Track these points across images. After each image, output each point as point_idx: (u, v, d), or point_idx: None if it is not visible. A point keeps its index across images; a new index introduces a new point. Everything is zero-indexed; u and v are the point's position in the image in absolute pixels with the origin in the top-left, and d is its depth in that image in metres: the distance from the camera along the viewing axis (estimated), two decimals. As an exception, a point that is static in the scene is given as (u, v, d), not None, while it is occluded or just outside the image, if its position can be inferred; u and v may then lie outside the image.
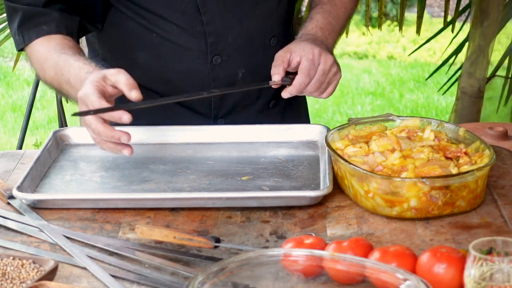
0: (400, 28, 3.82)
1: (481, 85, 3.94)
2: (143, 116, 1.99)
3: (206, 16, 2.04)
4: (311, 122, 2.36)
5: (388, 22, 7.51)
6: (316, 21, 2.08)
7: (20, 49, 2.05)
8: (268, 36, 2.13)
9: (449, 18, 3.99)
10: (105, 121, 1.76)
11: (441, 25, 4.03)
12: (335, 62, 1.96)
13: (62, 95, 2.04)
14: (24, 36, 2.01)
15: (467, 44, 3.97)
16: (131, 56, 2.10)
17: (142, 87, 1.85)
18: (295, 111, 2.27)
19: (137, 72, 1.86)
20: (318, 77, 1.93)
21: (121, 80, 1.76)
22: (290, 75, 1.96)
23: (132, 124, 1.76)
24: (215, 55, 2.06)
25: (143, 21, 2.05)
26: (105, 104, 1.74)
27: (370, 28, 4.03)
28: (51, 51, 1.96)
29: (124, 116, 1.73)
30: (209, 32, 2.05)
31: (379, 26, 3.79)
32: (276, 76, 1.94)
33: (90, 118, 1.76)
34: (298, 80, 1.92)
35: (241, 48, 2.09)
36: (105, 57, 2.16)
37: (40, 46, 1.99)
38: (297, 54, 1.94)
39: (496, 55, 4.13)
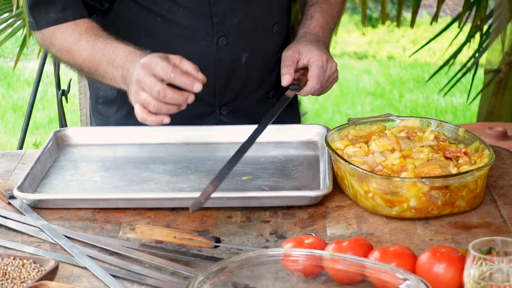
0: (398, 25, 3.84)
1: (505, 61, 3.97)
2: None
3: None
4: (311, 122, 2.37)
5: (388, 22, 7.51)
6: (317, 20, 2.17)
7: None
8: (271, 23, 2.17)
9: (449, 18, 4.01)
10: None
11: (441, 26, 4.04)
12: (337, 68, 2.07)
13: (91, 77, 2.02)
14: (36, 20, 2.03)
15: (477, 35, 3.99)
16: (135, 42, 2.10)
17: None
18: (293, 108, 2.29)
19: None
20: (323, 83, 2.04)
21: (186, 62, 1.81)
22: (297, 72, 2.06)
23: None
24: (221, 36, 2.08)
25: (147, 3, 2.06)
26: (169, 67, 1.78)
27: (369, 28, 4.04)
28: (83, 34, 1.98)
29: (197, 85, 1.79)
30: (215, 12, 2.07)
31: (383, 22, 3.82)
32: (287, 76, 2.02)
33: (154, 80, 1.78)
34: (309, 86, 2.01)
35: (246, 32, 2.12)
36: None
37: (66, 29, 2.00)
38: (305, 57, 2.04)
39: None
